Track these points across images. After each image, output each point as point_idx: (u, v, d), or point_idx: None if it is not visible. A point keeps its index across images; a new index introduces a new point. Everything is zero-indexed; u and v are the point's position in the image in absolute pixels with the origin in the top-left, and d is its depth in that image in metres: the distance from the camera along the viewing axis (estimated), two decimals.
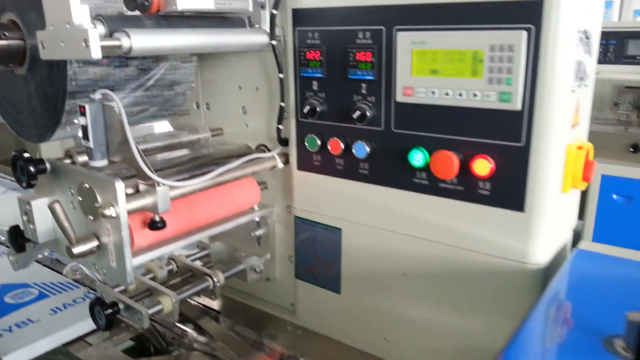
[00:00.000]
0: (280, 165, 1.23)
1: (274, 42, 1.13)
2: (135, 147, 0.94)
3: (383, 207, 1.07)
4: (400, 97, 0.98)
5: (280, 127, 1.20)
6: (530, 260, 0.93)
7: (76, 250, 0.94)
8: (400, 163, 1.01)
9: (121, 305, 1.10)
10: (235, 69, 1.30)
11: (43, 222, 1.05)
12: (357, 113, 1.03)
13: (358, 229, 1.13)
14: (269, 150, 1.28)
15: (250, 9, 1.09)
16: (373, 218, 1.10)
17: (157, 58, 1.18)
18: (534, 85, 0.84)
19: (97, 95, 0.97)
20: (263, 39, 1.13)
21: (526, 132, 0.87)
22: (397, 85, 0.98)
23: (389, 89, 1.00)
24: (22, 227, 1.13)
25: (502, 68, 0.86)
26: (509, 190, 0.91)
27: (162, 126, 1.48)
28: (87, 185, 0.93)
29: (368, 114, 1.02)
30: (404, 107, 0.99)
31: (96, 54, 0.83)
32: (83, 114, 0.96)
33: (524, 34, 0.83)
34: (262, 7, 1.14)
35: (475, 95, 0.89)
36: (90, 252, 0.96)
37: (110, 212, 0.90)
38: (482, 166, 0.90)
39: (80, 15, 0.84)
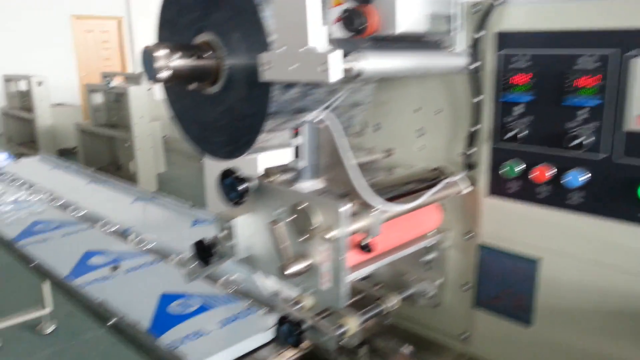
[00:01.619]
0: (465, 190, 1.19)
1: (472, 66, 1.10)
2: (352, 169, 0.93)
3: (598, 239, 1.00)
4: (633, 126, 0.91)
5: (468, 151, 1.17)
6: None
7: (290, 270, 0.94)
8: (625, 194, 0.95)
9: (306, 325, 1.10)
10: (414, 90, 1.28)
11: (243, 239, 1.07)
12: (575, 140, 0.97)
13: (562, 260, 1.06)
14: (443, 174, 1.24)
15: (458, 31, 1.07)
16: (583, 250, 1.03)
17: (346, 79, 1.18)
18: None
19: (311, 117, 0.97)
20: (461, 61, 1.10)
21: None
22: (629, 113, 0.92)
23: (615, 117, 0.94)
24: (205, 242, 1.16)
25: None
26: None
27: None
28: (303, 207, 0.93)
29: (586, 141, 0.97)
30: (636, 137, 0.92)
31: (335, 76, 0.83)
32: (297, 134, 0.96)
33: None
34: (457, 29, 1.11)
35: None
36: (301, 273, 0.95)
37: (331, 235, 0.89)
38: None
39: (318, 37, 0.84)
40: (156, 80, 1.02)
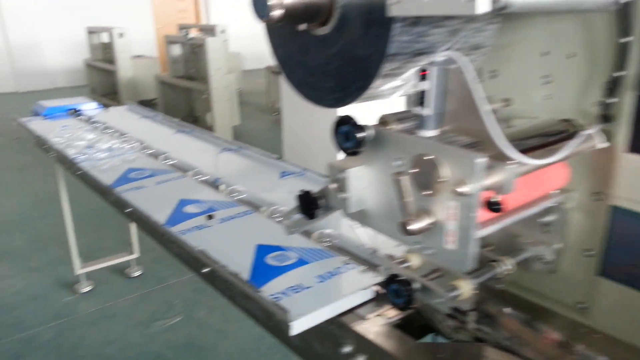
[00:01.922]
0: (600, 145, 1.06)
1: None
2: (487, 116, 0.83)
3: None
4: None
5: (607, 101, 1.03)
6: None
7: (413, 227, 0.87)
8: None
9: (416, 285, 1.04)
10: (541, 31, 1.14)
11: (356, 192, 1.00)
12: None
13: None
14: (573, 127, 1.11)
15: None
16: None
17: (470, 18, 1.06)
18: None
19: (440, 58, 0.87)
20: None
21: None
22: None
23: None
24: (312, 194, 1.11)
25: None
26: None
27: None
28: (430, 158, 0.85)
29: None
30: None
31: (482, 8, 0.73)
32: (423, 77, 0.87)
33: None
34: None
35: None
36: (423, 230, 0.88)
37: (464, 189, 0.80)
38: None
39: None
40: (268, 20, 0.95)
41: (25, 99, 10.13)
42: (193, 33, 7.59)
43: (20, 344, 2.89)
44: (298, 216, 1.21)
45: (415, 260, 1.19)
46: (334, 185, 1.02)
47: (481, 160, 0.79)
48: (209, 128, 6.65)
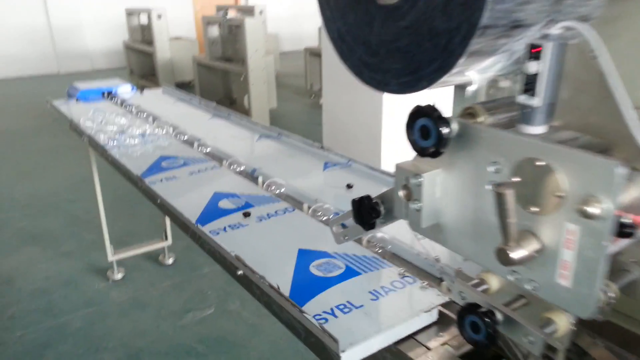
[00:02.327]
0: None
1: None
2: (630, 110, 0.61)
3: None
4: None
5: None
6: None
7: (516, 255, 0.66)
8: None
9: (499, 316, 0.83)
10: None
11: (431, 201, 0.80)
12: None
13: None
14: None
15: None
16: None
17: None
18: None
19: (556, 30, 0.65)
20: None
21: None
22: None
23: None
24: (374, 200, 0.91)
25: None
26: None
27: None
28: (541, 164, 0.63)
29: None
30: None
31: None
32: (535, 56, 0.65)
33: None
34: None
35: None
36: (528, 260, 0.67)
37: (593, 209, 0.59)
38: None
39: None
40: None
41: (65, 80, 10.22)
42: (231, 14, 7.43)
43: (50, 331, 2.81)
44: (351, 223, 1.02)
45: (493, 282, 0.98)
46: (402, 192, 0.82)
47: (622, 170, 0.57)
48: (246, 111, 6.51)
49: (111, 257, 3.25)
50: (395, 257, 1.30)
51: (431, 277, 1.20)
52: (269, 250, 1.34)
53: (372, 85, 0.94)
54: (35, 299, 3.09)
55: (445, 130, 0.72)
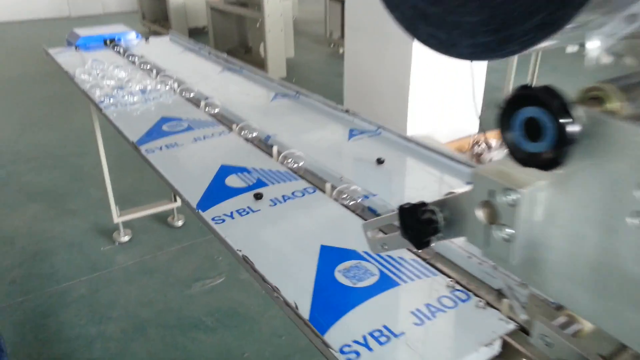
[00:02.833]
0: None
1: None
2: None
3: None
4: None
5: None
6: None
7: None
8: None
9: None
10: None
11: (527, 228, 0.53)
12: None
13: None
14: None
15: None
16: None
17: None
18: None
19: None
20: None
21: None
22: None
23: None
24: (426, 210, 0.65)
25: None
26: None
27: None
28: None
29: None
30: None
31: None
32: None
33: None
34: None
35: None
36: None
37: None
38: None
39: None
40: None
41: (75, 24, 9.85)
42: None
43: (53, 298, 2.66)
44: (394, 234, 0.76)
45: (588, 323, 0.74)
46: (483, 212, 0.56)
47: None
48: (261, 60, 6.16)
49: (117, 218, 3.06)
50: (441, 259, 1.05)
51: (488, 288, 0.96)
52: (284, 246, 1.10)
53: (432, 45, 0.66)
54: (37, 263, 2.93)
55: (572, 128, 0.45)
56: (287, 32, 6.34)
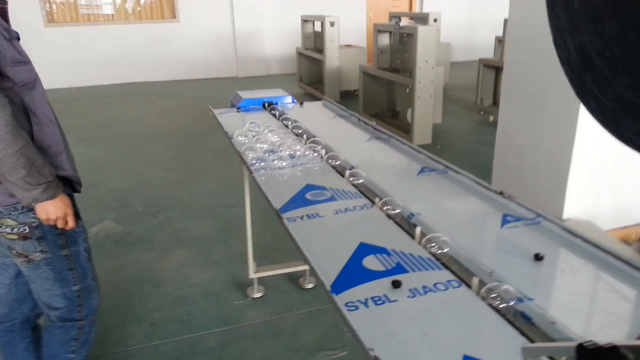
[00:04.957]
0: None
1: None
2: None
3: None
4: None
5: None
6: None
7: None
8: None
9: None
10: None
11: None
12: None
13: None
14: None
15: None
16: None
17: None
18: None
19: None
20: None
21: None
22: None
23: None
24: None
25: None
26: None
27: None
28: None
29: None
30: None
31: None
32: None
33: None
34: None
35: None
36: None
37: None
38: None
39: None
40: None
41: (243, 83, 10.83)
42: (404, 21, 7.11)
43: (186, 345, 2.74)
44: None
45: None
46: None
47: None
48: (407, 125, 6.13)
49: (252, 274, 3.12)
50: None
51: None
52: (421, 351, 0.96)
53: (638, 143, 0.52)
54: (177, 308, 3.07)
55: None
56: (437, 98, 6.27)
